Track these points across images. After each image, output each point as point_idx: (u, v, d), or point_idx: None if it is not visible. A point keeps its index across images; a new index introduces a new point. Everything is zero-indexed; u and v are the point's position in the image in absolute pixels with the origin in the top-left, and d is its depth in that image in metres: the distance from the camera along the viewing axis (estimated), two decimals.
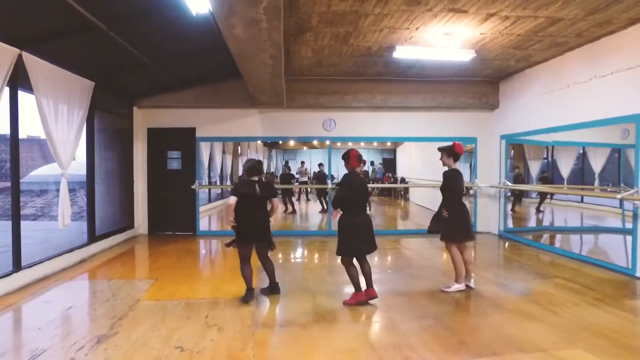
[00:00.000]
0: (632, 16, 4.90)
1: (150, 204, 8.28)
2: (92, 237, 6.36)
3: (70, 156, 5.41)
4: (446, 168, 4.63)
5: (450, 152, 4.58)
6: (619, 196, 5.19)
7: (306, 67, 7.14)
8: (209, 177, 12.46)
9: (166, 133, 8.22)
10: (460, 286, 4.55)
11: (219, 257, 6.80)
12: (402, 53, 5.85)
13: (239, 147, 15.52)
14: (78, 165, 6.86)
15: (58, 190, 5.29)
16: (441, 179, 4.62)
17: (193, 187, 8.15)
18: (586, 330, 3.49)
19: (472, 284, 4.61)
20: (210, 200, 12.64)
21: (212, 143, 12.12)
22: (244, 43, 4.11)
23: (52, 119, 4.99)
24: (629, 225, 5.23)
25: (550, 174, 8.67)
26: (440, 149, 4.66)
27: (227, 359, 2.97)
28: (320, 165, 11.60)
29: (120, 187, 7.55)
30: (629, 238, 5.22)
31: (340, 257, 4.15)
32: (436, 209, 4.74)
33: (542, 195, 8.82)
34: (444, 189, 4.61)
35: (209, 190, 12.61)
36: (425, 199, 12.48)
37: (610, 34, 5.46)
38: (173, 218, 8.33)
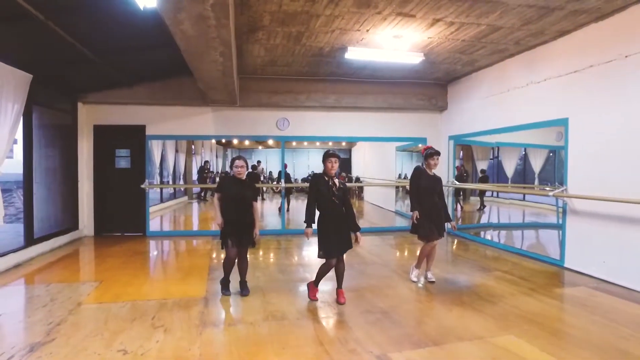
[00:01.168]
0: (560, 29, 5.32)
1: (97, 204, 7.91)
2: (30, 240, 5.98)
3: (3, 153, 5.07)
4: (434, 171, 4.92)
5: None
6: (551, 193, 5.60)
7: (259, 65, 7.12)
8: (161, 176, 12.09)
9: (114, 130, 7.89)
10: (417, 271, 5.00)
11: (169, 257, 6.63)
12: (354, 54, 5.98)
13: (193, 146, 15.17)
14: (16, 164, 6.44)
15: None
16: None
17: (143, 186, 7.89)
18: (519, 317, 3.75)
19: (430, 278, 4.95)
20: (162, 200, 12.27)
21: (164, 141, 11.78)
22: (193, 40, 4.04)
23: None
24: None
25: (487, 176, 9.25)
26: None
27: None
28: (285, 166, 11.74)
29: (63, 186, 7.15)
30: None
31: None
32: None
33: (480, 195, 9.44)
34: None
35: (161, 189, 12.23)
36: (379, 198, 12.80)
37: (544, 44, 5.88)
38: (121, 218, 8.01)
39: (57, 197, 6.96)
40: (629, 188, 4.59)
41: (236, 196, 4.29)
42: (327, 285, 4.56)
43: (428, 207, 4.76)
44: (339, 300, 4.15)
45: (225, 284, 4.43)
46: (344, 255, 4.24)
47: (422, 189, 4.79)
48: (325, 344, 3.21)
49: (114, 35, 5.42)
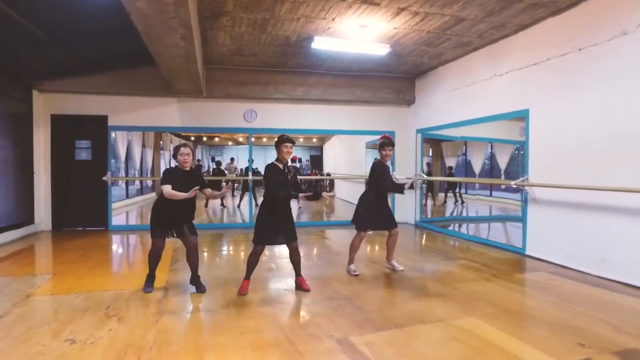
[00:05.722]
0: (520, 22, 5.46)
1: (55, 198, 7.57)
2: None
3: None
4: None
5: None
6: (512, 183, 5.73)
7: (226, 55, 6.97)
8: (127, 172, 11.70)
9: (74, 120, 7.57)
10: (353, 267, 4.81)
11: (131, 250, 6.40)
12: (320, 44, 5.94)
13: (161, 142, 14.77)
14: None
15: None
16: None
17: (104, 178, 7.59)
18: (480, 301, 3.81)
19: (398, 267, 4.91)
20: (128, 196, 11.88)
21: (131, 136, 11.42)
22: (150, 19, 3.89)
23: None
24: None
25: (452, 173, 9.56)
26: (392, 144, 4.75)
27: (124, 347, 2.78)
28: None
29: (16, 178, 6.79)
30: None
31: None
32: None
33: (453, 191, 9.73)
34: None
35: (127, 185, 11.84)
36: (349, 194, 12.83)
37: (505, 37, 6.02)
38: (82, 212, 7.70)
39: (9, 190, 6.60)
40: (584, 176, 4.76)
41: (181, 191, 3.77)
42: (289, 276, 4.52)
43: (381, 199, 4.77)
44: (304, 287, 4.10)
45: (149, 279, 4.05)
46: (294, 245, 4.09)
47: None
48: (286, 329, 3.15)
49: (70, 16, 5.14)
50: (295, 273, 4.19)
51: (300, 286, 4.14)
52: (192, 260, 4.05)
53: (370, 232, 4.73)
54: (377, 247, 6.48)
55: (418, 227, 8.45)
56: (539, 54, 5.43)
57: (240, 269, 4.91)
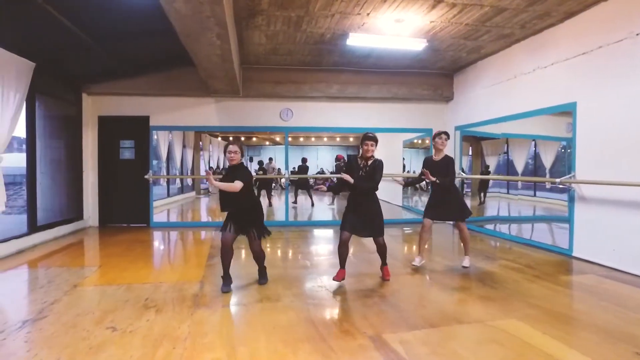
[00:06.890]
0: (567, 10, 5.15)
1: (102, 195, 7.96)
2: (33, 227, 6.02)
3: (5, 140, 5.09)
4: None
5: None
6: (558, 180, 5.42)
7: (262, 54, 7.06)
8: (168, 172, 12.15)
9: (118, 121, 7.92)
10: (419, 259, 4.92)
11: (170, 245, 6.61)
12: (355, 40, 5.88)
13: (201, 142, 15.23)
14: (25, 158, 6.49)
15: None
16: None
17: (146, 177, 7.90)
18: (522, 302, 3.62)
19: (465, 264, 4.92)
20: (169, 195, 12.32)
21: (172, 137, 11.85)
22: (187, 19, 3.99)
23: None
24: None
25: (489, 172, 9.23)
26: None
27: (161, 337, 2.87)
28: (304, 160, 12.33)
29: (67, 176, 7.20)
30: None
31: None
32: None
33: (482, 190, 9.45)
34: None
35: (168, 184, 12.28)
36: (385, 194, 12.65)
37: (550, 27, 5.71)
38: (126, 209, 8.04)
39: (62, 187, 7.01)
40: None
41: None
42: (324, 273, 4.49)
43: (440, 191, 4.88)
44: (384, 277, 4.37)
45: (225, 278, 3.99)
46: (377, 239, 4.33)
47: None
48: (318, 324, 3.13)
49: (112, 20, 5.39)
50: (381, 262, 4.48)
51: (382, 276, 4.43)
52: (256, 261, 4.27)
53: (435, 221, 4.99)
54: (413, 247, 6.34)
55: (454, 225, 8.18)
56: (589, 42, 5.10)
57: (275, 265, 4.98)
